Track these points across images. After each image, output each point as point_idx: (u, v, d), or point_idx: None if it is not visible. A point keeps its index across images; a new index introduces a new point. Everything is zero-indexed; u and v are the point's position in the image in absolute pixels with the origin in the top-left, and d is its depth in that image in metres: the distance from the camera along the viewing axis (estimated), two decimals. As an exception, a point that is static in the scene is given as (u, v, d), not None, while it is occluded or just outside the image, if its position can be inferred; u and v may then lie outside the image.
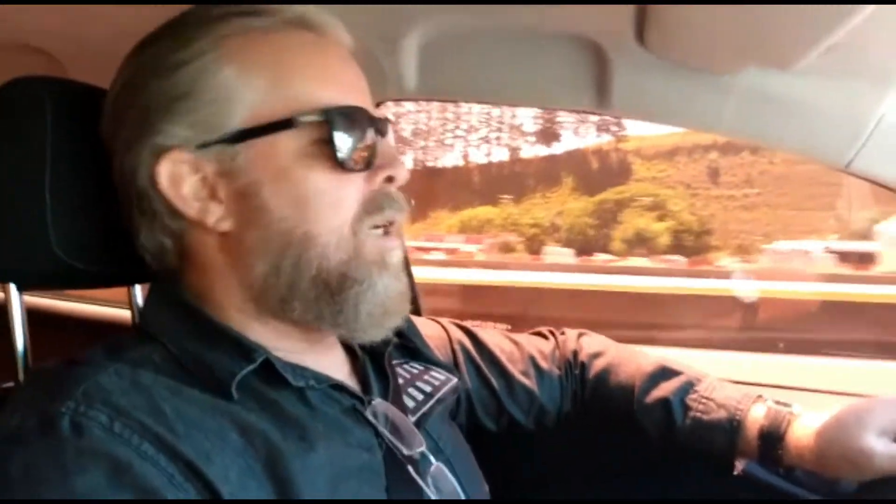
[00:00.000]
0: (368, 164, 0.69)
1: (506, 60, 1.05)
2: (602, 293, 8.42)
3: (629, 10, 0.81)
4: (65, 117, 0.74)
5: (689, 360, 1.05)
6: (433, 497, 0.72)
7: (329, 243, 0.67)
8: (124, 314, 0.76)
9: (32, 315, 0.84)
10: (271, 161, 0.67)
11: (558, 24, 0.95)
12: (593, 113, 1.05)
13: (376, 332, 0.72)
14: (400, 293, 0.73)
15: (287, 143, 0.67)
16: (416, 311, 1.49)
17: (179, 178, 0.67)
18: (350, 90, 0.71)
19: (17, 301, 0.81)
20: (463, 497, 0.76)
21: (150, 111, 0.67)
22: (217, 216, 0.68)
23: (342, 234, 0.68)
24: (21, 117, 0.73)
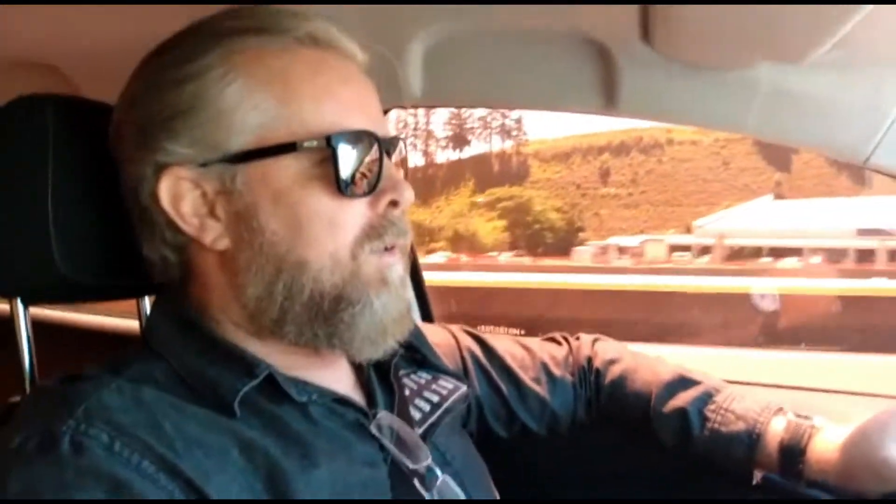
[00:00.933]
0: (372, 188, 0.68)
1: (511, 64, 1.04)
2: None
3: (634, 9, 0.80)
4: (68, 134, 0.74)
5: (702, 359, 1.03)
6: None
7: (323, 268, 0.66)
8: (134, 325, 0.76)
9: (42, 327, 0.84)
10: (270, 183, 0.66)
11: (562, 25, 0.94)
12: (602, 115, 1.03)
13: (374, 351, 0.71)
14: (400, 313, 0.72)
15: (287, 167, 0.66)
16: (428, 317, 1.48)
17: (180, 194, 0.67)
18: (356, 111, 0.69)
19: (24, 316, 0.81)
20: None
21: (151, 126, 0.67)
22: (215, 234, 0.67)
23: (338, 258, 0.67)
24: (24, 134, 0.74)
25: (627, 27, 0.85)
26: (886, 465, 0.78)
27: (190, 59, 0.67)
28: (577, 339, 1.11)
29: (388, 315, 0.69)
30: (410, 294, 1.45)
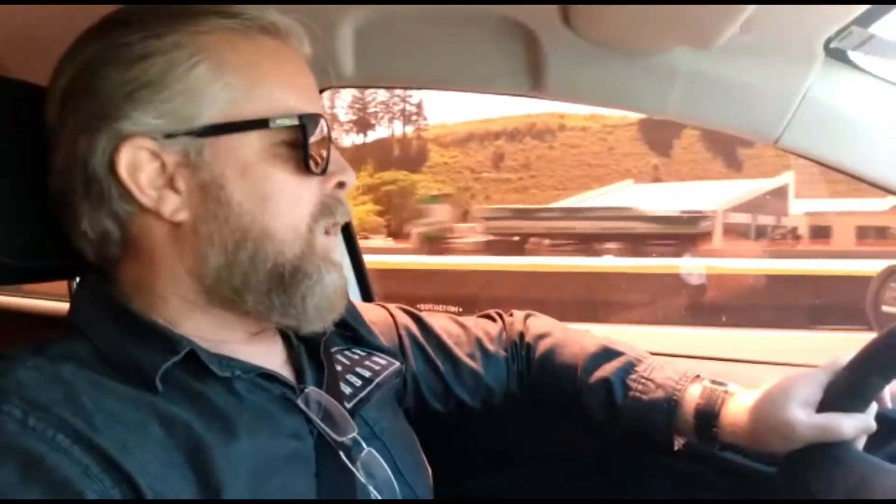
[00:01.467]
0: (324, 169, 0.72)
1: (441, 46, 1.05)
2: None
3: None
4: None
5: (633, 338, 1.07)
6: (364, 481, 0.74)
7: (286, 239, 0.70)
8: (65, 307, 0.76)
9: None
10: (238, 158, 0.69)
11: (489, 9, 0.95)
12: (531, 97, 1.05)
13: (319, 324, 0.75)
14: (342, 289, 0.78)
15: (255, 142, 0.69)
16: (368, 296, 1.50)
17: (138, 165, 0.67)
18: (309, 98, 0.74)
19: None
20: (394, 482, 0.77)
21: (112, 97, 0.67)
22: (173, 206, 0.68)
23: (298, 231, 0.71)
24: None
25: (550, 11, 0.87)
26: (787, 426, 0.82)
27: (157, 34, 0.68)
28: (511, 315, 1.15)
29: (335, 291, 0.75)
30: (349, 273, 1.47)
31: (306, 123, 0.70)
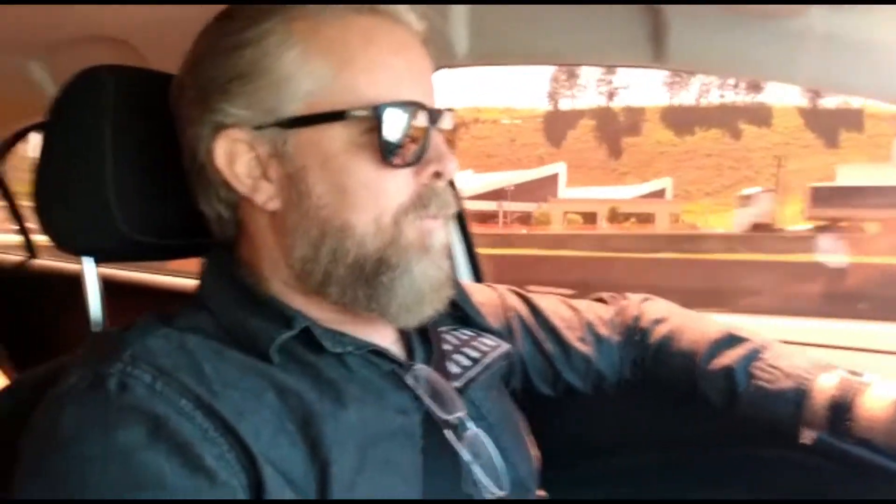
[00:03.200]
0: (418, 158, 0.70)
1: (558, 18, 1.02)
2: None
3: None
4: (127, 103, 0.78)
5: (757, 327, 1.00)
6: (469, 459, 0.73)
7: (367, 233, 0.68)
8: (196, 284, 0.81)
9: (111, 285, 0.91)
10: (320, 149, 0.68)
11: None
12: (651, 68, 1.00)
13: (410, 318, 0.72)
14: (438, 282, 0.73)
15: (337, 134, 0.68)
16: (478, 278, 1.50)
17: (235, 155, 0.70)
18: (407, 81, 0.70)
19: (92, 273, 0.88)
20: (498, 463, 0.76)
21: (211, 89, 0.70)
22: (267, 195, 0.70)
23: (381, 224, 0.68)
24: (85, 105, 0.79)
25: None
26: None
27: (250, 24, 0.69)
28: (626, 298, 1.10)
29: (426, 282, 0.71)
30: (461, 257, 1.48)
31: (381, 115, 0.67)
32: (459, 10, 1.03)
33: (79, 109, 0.79)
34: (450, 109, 0.75)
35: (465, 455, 0.73)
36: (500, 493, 0.75)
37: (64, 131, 0.80)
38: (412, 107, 0.69)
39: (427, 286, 0.71)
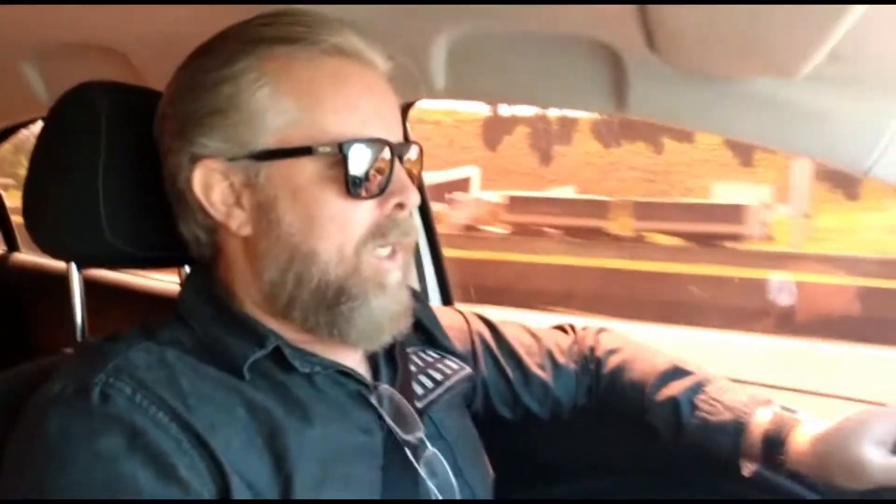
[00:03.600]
0: (382, 190, 0.75)
1: (529, 64, 1.08)
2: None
3: (637, 15, 0.82)
4: (120, 119, 0.83)
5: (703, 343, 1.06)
6: (426, 478, 0.78)
7: (330, 261, 0.73)
8: (175, 289, 0.85)
9: (95, 286, 0.94)
10: (290, 181, 0.73)
11: (572, 28, 0.98)
12: (614, 115, 1.07)
13: (368, 344, 0.79)
14: (396, 313, 0.78)
15: (306, 167, 0.73)
16: (447, 300, 1.55)
17: (210, 184, 0.75)
18: (372, 120, 0.75)
19: (77, 278, 0.92)
20: (454, 482, 0.81)
21: (189, 122, 0.75)
22: (239, 221, 0.76)
23: (343, 253, 0.73)
24: (79, 120, 0.83)
25: (634, 34, 0.88)
26: (858, 464, 0.80)
27: (227, 63, 0.74)
28: (584, 329, 1.16)
29: (384, 315, 0.76)
30: (431, 279, 1.53)
31: (347, 151, 0.71)
32: (439, 49, 1.09)
33: (74, 122, 0.83)
34: (415, 143, 0.81)
35: (423, 473, 0.78)
36: None
37: (58, 142, 0.84)
38: (376, 143, 0.74)
39: (385, 318, 0.77)
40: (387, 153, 0.75)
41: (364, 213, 0.75)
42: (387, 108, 0.79)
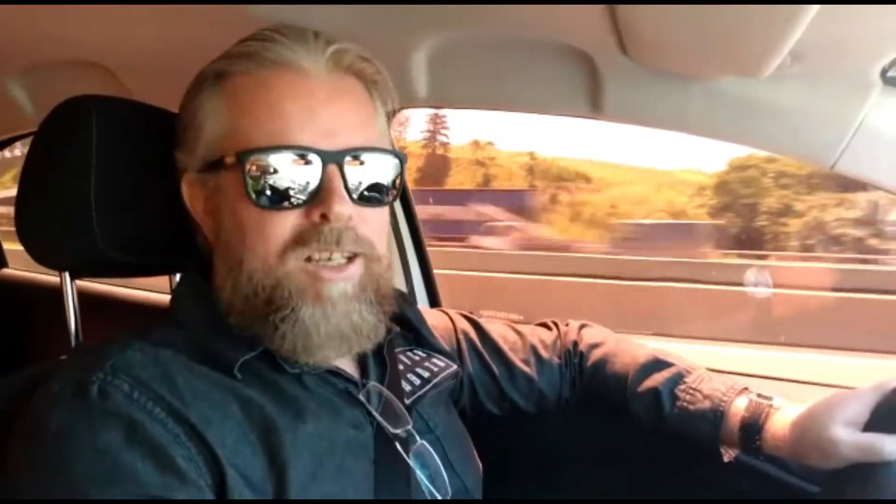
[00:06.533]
0: (305, 200, 0.74)
1: (506, 70, 1.12)
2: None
3: (607, 18, 0.85)
4: (109, 132, 0.85)
5: (685, 353, 1.10)
6: (417, 470, 0.81)
7: (256, 270, 0.75)
8: (166, 299, 0.88)
9: (87, 299, 0.97)
10: (223, 192, 0.78)
11: (546, 33, 1.01)
12: (589, 119, 1.10)
13: (306, 359, 0.76)
14: (338, 330, 0.75)
15: (232, 178, 0.76)
16: (435, 301, 1.58)
17: (194, 195, 0.81)
18: (299, 126, 0.74)
19: (70, 287, 0.94)
20: (444, 472, 0.84)
21: (175, 139, 0.82)
22: (209, 228, 0.82)
23: (267, 263, 0.75)
24: (71, 133, 0.85)
25: (606, 38, 0.91)
26: (830, 443, 0.84)
27: (198, 81, 0.81)
28: (567, 325, 1.20)
29: (316, 329, 0.74)
30: (418, 280, 1.56)
31: (245, 160, 0.72)
32: (419, 57, 1.12)
33: (67, 134, 0.86)
34: (382, 150, 0.79)
35: (413, 465, 0.81)
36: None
37: (49, 154, 0.86)
38: (288, 151, 0.73)
39: (321, 333, 0.75)
40: (316, 160, 0.73)
41: (287, 223, 0.74)
42: (328, 114, 0.75)
